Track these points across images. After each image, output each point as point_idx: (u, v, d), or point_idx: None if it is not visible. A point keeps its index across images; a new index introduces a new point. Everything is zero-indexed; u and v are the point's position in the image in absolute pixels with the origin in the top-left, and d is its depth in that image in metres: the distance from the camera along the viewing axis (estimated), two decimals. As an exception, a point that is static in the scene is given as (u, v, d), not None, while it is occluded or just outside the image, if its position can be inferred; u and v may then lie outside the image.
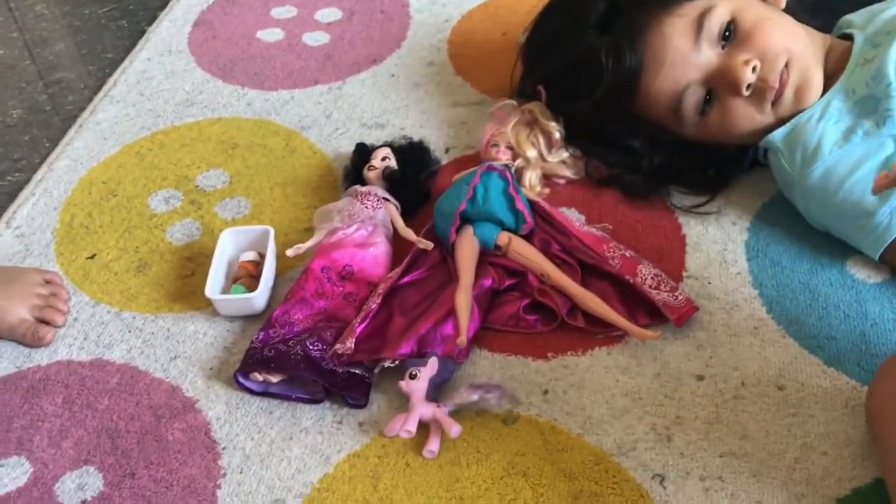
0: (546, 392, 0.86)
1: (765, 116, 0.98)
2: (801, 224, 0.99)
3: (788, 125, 0.97)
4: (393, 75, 1.29)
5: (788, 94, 0.97)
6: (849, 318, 0.90)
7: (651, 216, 1.04)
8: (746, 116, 0.98)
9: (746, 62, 0.94)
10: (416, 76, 1.29)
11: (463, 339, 0.85)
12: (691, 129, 1.02)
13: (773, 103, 0.97)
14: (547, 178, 1.08)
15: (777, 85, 0.95)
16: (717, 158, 1.05)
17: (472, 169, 1.00)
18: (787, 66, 0.96)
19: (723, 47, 0.97)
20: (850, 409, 0.82)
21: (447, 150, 1.15)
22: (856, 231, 0.93)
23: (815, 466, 0.78)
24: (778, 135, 0.97)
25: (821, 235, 0.98)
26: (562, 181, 1.09)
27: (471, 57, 1.32)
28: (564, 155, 1.09)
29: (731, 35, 0.96)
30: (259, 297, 0.93)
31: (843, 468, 0.77)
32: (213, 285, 0.94)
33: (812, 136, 0.95)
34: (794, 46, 0.97)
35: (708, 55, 0.97)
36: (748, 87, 0.95)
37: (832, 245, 0.97)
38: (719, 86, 0.97)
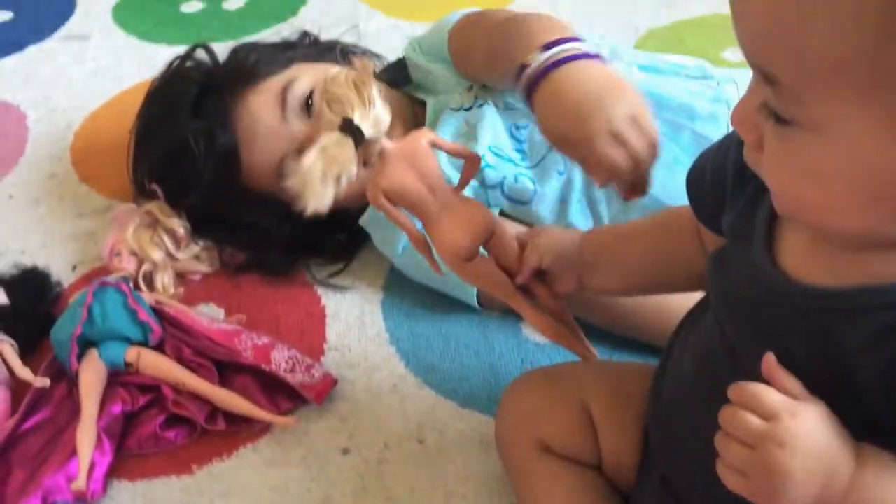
0: (191, 509, 0.82)
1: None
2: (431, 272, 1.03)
3: None
4: (10, 196, 1.20)
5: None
6: (479, 355, 0.94)
7: (291, 295, 1.04)
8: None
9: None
10: (36, 192, 1.21)
11: (80, 484, 0.79)
12: None
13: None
14: (182, 276, 1.05)
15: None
16: (346, 221, 1.07)
17: (84, 289, 0.94)
18: None
19: (309, 116, 0.99)
20: (484, 444, 0.85)
21: (74, 268, 1.08)
22: (452, 290, 0.98)
23: (456, 513, 0.80)
24: None
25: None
26: (197, 277, 1.06)
27: (96, 161, 1.26)
28: (196, 249, 1.06)
29: (312, 105, 0.99)
30: None
31: (482, 507, 0.80)
32: None
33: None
34: None
35: (297, 125, 0.98)
36: None
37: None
38: None
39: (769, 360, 0.49)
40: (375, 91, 0.73)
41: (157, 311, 0.95)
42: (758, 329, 0.53)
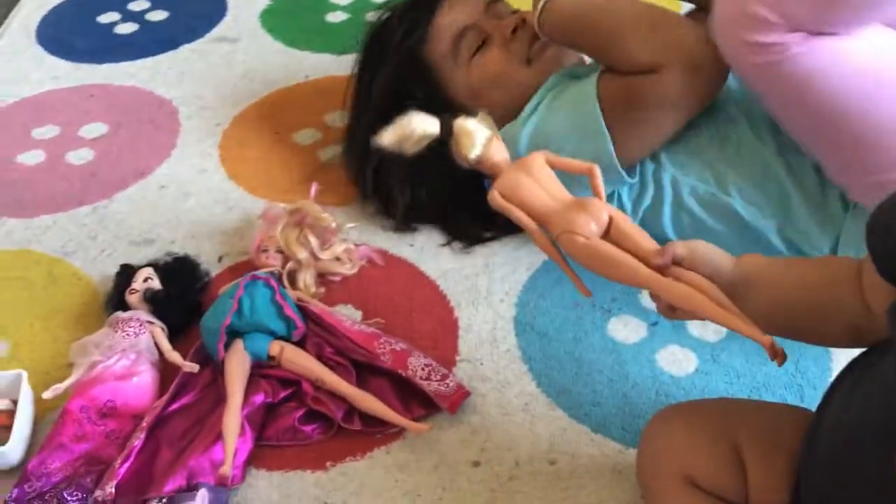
0: (325, 505, 0.84)
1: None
2: (565, 293, 1.04)
3: None
4: (162, 187, 1.26)
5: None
6: (612, 382, 0.94)
7: (424, 304, 1.05)
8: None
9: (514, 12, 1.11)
10: (186, 185, 1.26)
11: (227, 469, 0.82)
12: (462, 77, 1.10)
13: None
14: (322, 277, 1.08)
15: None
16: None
17: (236, 281, 0.98)
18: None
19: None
20: (616, 473, 0.85)
21: (220, 259, 1.13)
22: None
23: (587, 537, 0.80)
24: None
25: (583, 303, 1.02)
26: (337, 278, 1.09)
27: (243, 160, 1.31)
28: (339, 250, 1.09)
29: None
30: (12, 450, 0.86)
31: (613, 535, 0.80)
32: (-39, 444, 0.87)
33: None
34: None
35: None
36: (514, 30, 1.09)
37: (594, 312, 1.01)
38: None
39: None
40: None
41: (302, 309, 0.98)
42: None
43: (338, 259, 1.09)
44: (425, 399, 0.91)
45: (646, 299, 1.02)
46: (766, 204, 0.98)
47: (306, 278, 1.05)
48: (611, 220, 0.72)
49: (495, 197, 0.76)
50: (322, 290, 1.06)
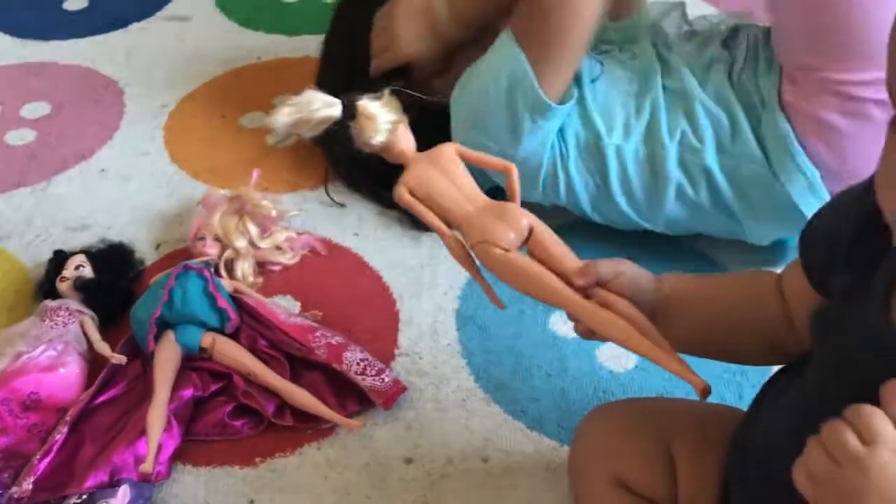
0: (252, 502, 0.82)
1: None
2: (506, 287, 1.02)
3: None
4: (103, 170, 1.23)
5: None
6: (550, 378, 0.93)
7: (366, 295, 1.03)
8: None
9: None
10: (128, 169, 1.23)
11: (148, 466, 0.80)
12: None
13: None
14: (261, 266, 1.06)
15: None
16: None
17: (168, 270, 0.96)
18: None
19: None
20: (550, 471, 0.84)
21: (158, 247, 1.10)
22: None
23: (516, 538, 0.79)
24: None
25: (526, 298, 1.00)
26: (277, 268, 1.06)
27: (188, 143, 1.28)
28: (280, 238, 1.07)
29: None
30: (-72, 444, 0.84)
31: (542, 536, 0.79)
32: None
33: None
34: None
35: None
36: None
37: (536, 306, 1.00)
38: None
39: (893, 386, 0.47)
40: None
41: (236, 300, 0.96)
42: (869, 393, 0.50)
43: (278, 248, 1.07)
44: (360, 394, 0.89)
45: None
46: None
47: (244, 267, 1.03)
48: (531, 230, 0.67)
49: (402, 193, 0.70)
50: (260, 279, 1.04)
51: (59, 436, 0.83)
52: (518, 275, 0.67)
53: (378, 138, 0.70)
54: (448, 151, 0.71)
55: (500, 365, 0.94)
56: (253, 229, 1.06)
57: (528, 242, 0.68)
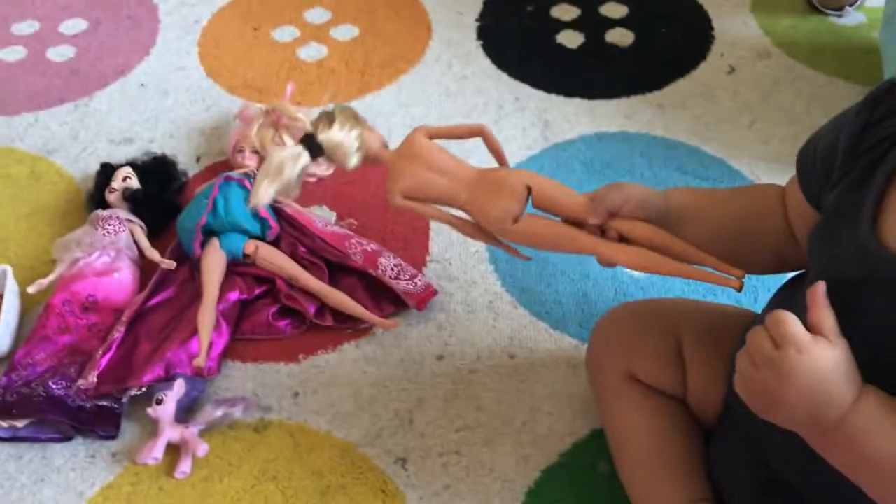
0: (297, 394, 0.89)
1: None
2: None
3: None
4: (142, 85, 1.27)
5: None
6: (573, 282, 0.98)
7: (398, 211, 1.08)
8: None
9: None
10: (165, 84, 1.27)
11: (200, 361, 0.86)
12: None
13: None
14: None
15: None
16: None
17: (211, 181, 1.01)
18: None
19: None
20: (571, 367, 0.89)
21: (198, 159, 1.15)
22: None
23: (540, 427, 0.85)
24: None
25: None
26: (313, 179, 1.11)
27: (222, 58, 1.31)
28: (314, 152, 1.11)
29: None
30: (0, 342, 0.91)
31: (564, 425, 0.85)
32: (-49, 335, 0.91)
33: None
34: None
35: None
36: None
37: (560, 213, 1.04)
38: None
39: (818, 289, 0.52)
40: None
41: (276, 210, 1.01)
42: (852, 307, 0.54)
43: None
44: (395, 297, 0.95)
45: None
46: None
47: (282, 178, 1.08)
48: (529, 189, 0.69)
49: (397, 201, 0.72)
50: (297, 190, 1.08)
51: (118, 334, 0.90)
52: (535, 239, 0.70)
53: (353, 162, 0.72)
54: (419, 140, 0.72)
55: (526, 271, 0.99)
56: (289, 141, 1.10)
57: (532, 199, 0.70)
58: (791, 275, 0.71)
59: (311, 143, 0.72)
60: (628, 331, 0.78)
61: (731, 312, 0.80)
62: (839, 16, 1.31)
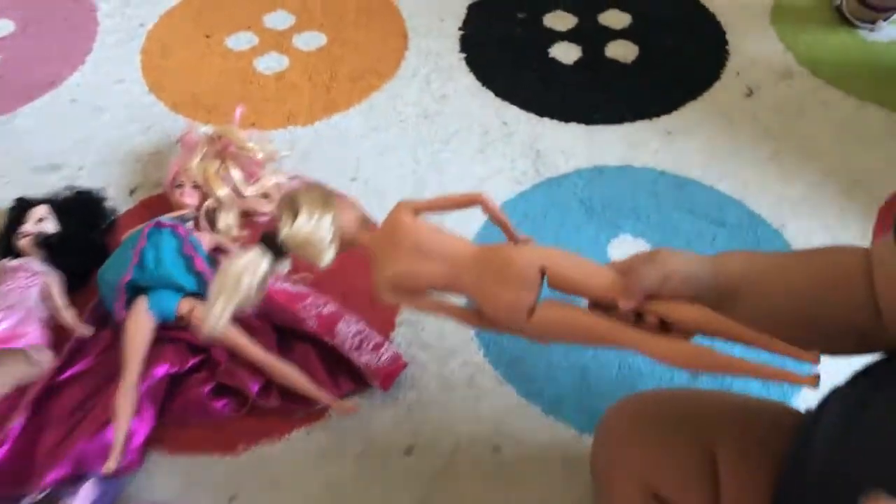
0: (233, 499, 0.73)
1: None
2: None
3: None
4: (73, 100, 1.10)
5: None
6: (569, 353, 0.82)
7: (362, 257, 0.92)
8: None
9: None
10: (101, 98, 1.10)
11: (112, 462, 0.71)
12: None
13: None
14: (247, 217, 0.95)
15: None
16: None
17: (139, 227, 0.85)
18: None
19: None
20: (567, 463, 0.75)
21: (132, 192, 0.99)
22: None
23: (529, 544, 0.70)
24: None
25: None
26: (264, 218, 0.95)
27: (167, 69, 1.15)
28: (268, 184, 0.95)
29: None
30: None
31: (558, 543, 0.70)
32: None
33: None
34: None
35: None
36: None
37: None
38: None
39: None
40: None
41: (214, 261, 0.85)
42: None
43: (265, 196, 0.95)
44: (355, 372, 0.80)
45: (616, 254, 0.89)
46: None
47: (228, 219, 0.92)
48: (543, 270, 0.54)
49: (387, 297, 0.58)
50: (246, 232, 0.93)
51: (16, 424, 0.74)
52: (557, 333, 0.55)
53: (326, 259, 0.58)
54: (404, 220, 0.57)
55: (514, 339, 0.83)
56: (237, 175, 0.94)
57: (548, 280, 0.55)
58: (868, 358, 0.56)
59: (273, 244, 0.57)
60: (648, 436, 0.63)
61: (770, 409, 0.65)
62: (871, 29, 1.16)
